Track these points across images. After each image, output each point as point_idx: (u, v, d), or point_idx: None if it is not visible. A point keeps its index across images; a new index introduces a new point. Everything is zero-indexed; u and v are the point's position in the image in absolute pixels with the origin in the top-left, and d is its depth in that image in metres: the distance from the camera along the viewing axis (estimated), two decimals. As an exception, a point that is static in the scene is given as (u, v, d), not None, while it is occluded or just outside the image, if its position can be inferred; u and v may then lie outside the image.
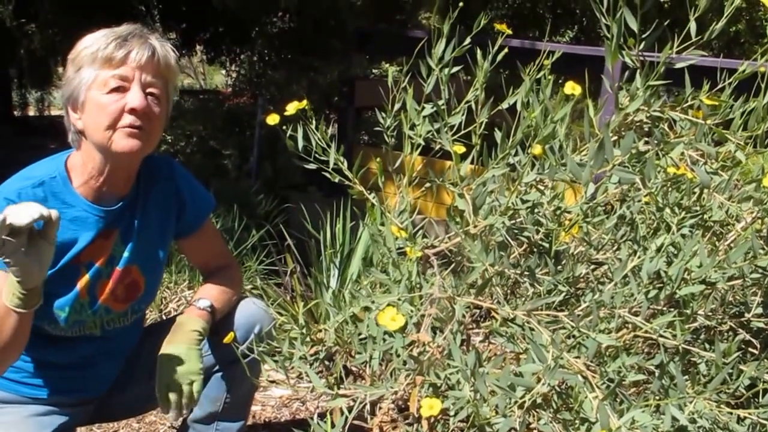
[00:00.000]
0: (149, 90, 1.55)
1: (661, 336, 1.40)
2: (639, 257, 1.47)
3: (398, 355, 1.49)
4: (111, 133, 1.52)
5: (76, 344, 1.67)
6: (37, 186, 1.55)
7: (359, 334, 1.64)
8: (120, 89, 1.51)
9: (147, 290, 1.73)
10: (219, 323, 1.76)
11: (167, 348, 1.65)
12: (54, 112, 11.95)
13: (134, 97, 1.51)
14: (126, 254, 1.67)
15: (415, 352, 1.48)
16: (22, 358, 1.65)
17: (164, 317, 3.50)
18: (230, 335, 1.56)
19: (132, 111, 1.51)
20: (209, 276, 1.87)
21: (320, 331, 1.83)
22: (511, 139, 1.57)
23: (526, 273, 1.56)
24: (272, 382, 2.74)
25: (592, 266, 1.69)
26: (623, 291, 1.43)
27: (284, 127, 1.69)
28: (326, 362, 2.60)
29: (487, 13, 1.81)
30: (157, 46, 1.56)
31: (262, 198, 6.60)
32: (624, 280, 1.46)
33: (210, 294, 1.78)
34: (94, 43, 1.53)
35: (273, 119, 1.69)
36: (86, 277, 1.62)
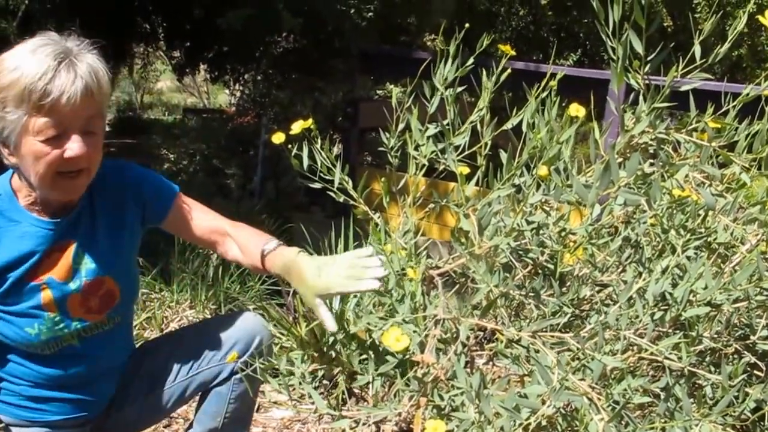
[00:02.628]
0: (87, 128, 1.46)
1: (667, 358, 1.39)
2: (644, 279, 1.46)
3: (402, 377, 1.48)
4: (50, 179, 1.46)
5: (65, 362, 1.64)
6: None
7: (360, 354, 1.63)
8: (57, 136, 1.43)
9: (123, 298, 1.68)
10: (216, 337, 1.75)
11: (305, 276, 1.53)
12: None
13: (74, 146, 1.43)
14: (92, 266, 1.62)
15: (420, 374, 1.48)
16: (17, 381, 1.64)
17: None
18: (233, 355, 1.55)
19: (71, 158, 1.44)
20: (226, 240, 1.75)
21: (320, 348, 1.82)
22: (516, 160, 1.57)
23: (530, 294, 1.56)
24: (274, 403, 2.73)
25: (597, 288, 1.68)
26: (628, 313, 1.43)
27: (289, 146, 1.69)
28: (328, 382, 2.59)
29: (490, 34, 1.82)
30: (86, 76, 1.42)
31: (265, 218, 6.61)
32: (629, 302, 1.45)
33: (259, 237, 1.69)
34: (18, 77, 1.39)
35: (279, 138, 1.70)
36: (48, 293, 1.57)
